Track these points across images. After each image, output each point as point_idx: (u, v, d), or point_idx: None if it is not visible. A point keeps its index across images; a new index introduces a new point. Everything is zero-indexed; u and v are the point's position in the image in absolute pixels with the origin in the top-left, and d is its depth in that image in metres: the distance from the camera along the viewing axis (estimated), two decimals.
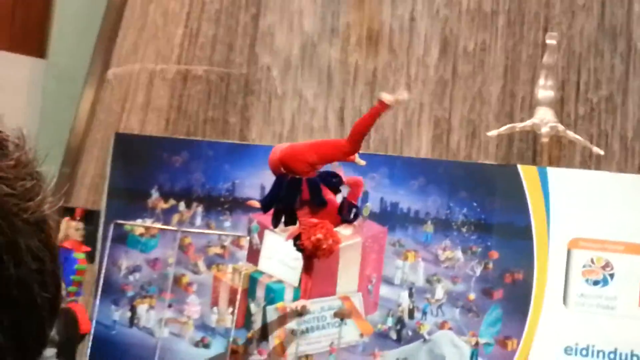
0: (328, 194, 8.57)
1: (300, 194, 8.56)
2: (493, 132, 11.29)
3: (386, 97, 8.67)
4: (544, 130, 10.91)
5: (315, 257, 8.82)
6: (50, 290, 0.93)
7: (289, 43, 12.41)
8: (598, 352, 9.65)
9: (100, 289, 10.77)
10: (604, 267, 9.81)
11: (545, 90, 11.08)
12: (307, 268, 8.94)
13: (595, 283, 9.82)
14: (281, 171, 8.69)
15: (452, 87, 11.95)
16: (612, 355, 9.62)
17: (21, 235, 0.90)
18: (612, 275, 9.78)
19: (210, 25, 12.63)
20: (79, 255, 10.37)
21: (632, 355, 9.60)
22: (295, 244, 8.94)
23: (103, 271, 10.82)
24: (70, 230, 10.48)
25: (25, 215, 0.91)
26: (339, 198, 8.70)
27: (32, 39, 13.39)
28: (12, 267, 0.88)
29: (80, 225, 10.65)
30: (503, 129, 11.23)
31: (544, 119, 10.94)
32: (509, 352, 9.89)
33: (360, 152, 10.33)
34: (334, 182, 8.74)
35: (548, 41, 11.18)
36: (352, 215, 8.78)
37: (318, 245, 8.53)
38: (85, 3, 13.35)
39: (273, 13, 12.53)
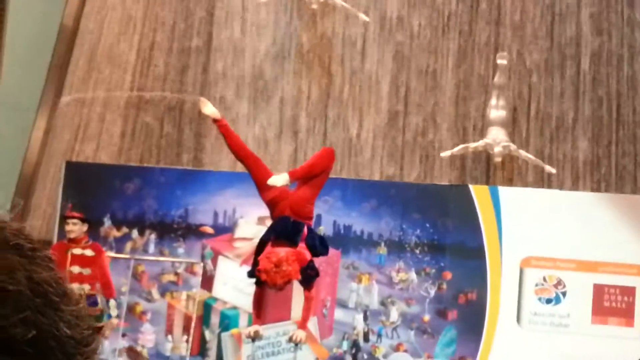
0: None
1: (301, 234, 8.51)
2: (446, 153, 11.32)
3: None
4: (497, 149, 10.96)
5: (272, 282, 8.60)
6: None
7: (242, 69, 12.39)
8: None
9: None
10: (556, 285, 9.86)
11: (497, 110, 11.15)
12: (259, 295, 8.81)
13: (548, 301, 9.85)
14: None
15: (405, 109, 11.97)
16: None
17: None
18: (564, 293, 9.83)
19: (162, 52, 12.60)
20: None
21: None
22: (253, 269, 8.80)
23: None
24: None
25: (81, 358, 1.08)
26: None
27: None
28: None
29: None
30: (456, 149, 11.26)
31: (497, 138, 11.00)
32: None
33: None
34: (320, 251, 8.69)
35: (499, 61, 11.26)
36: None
37: (278, 264, 8.31)
38: (36, 32, 13.26)
39: (224, 39, 12.52)
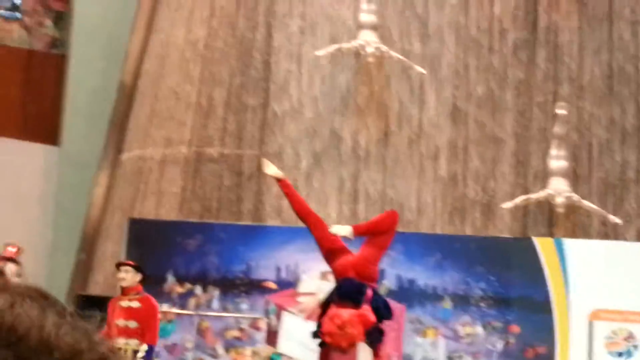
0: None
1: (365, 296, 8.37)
2: (508, 204, 11.26)
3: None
4: (559, 200, 10.89)
5: (337, 345, 8.44)
6: None
7: (299, 123, 12.44)
8: None
9: None
10: (626, 339, 9.70)
11: (557, 160, 11.09)
12: (325, 356, 8.65)
13: (620, 355, 9.69)
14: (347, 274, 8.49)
15: (465, 161, 11.94)
16: None
17: None
18: (636, 347, 9.67)
19: (219, 109, 12.70)
20: None
21: None
22: (317, 330, 8.67)
23: None
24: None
25: None
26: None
27: (44, 127, 13.48)
28: None
29: (16, 270, 9.33)
30: (518, 200, 11.21)
31: (558, 189, 10.93)
32: None
33: None
34: (384, 315, 8.51)
35: (558, 111, 11.22)
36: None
37: (342, 327, 8.18)
38: (96, 89, 13.46)
39: (281, 93, 12.60)
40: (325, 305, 8.60)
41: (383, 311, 8.51)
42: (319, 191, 12.13)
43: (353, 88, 12.43)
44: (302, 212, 8.75)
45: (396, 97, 12.32)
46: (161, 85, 13.06)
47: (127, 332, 9.36)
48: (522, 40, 12.14)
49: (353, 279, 8.42)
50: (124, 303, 9.51)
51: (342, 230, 8.58)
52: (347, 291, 8.33)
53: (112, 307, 9.58)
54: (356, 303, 8.23)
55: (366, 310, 8.23)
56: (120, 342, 9.26)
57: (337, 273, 8.55)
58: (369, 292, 8.35)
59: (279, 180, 8.91)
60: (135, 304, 9.49)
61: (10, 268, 9.22)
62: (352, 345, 8.38)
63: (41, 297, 0.98)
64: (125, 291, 9.57)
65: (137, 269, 9.67)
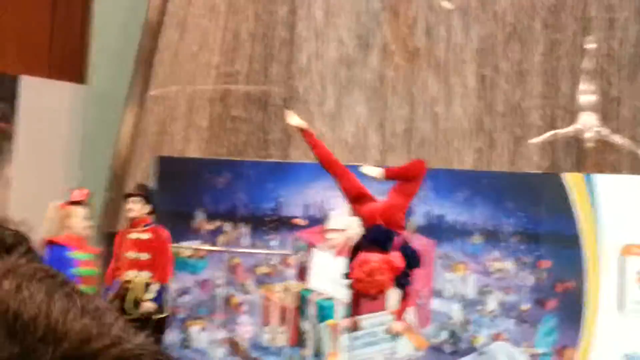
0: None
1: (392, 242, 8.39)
2: (536, 140, 11.23)
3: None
4: (588, 135, 10.85)
5: (366, 292, 8.48)
6: None
7: (325, 59, 12.40)
8: None
9: None
10: None
11: (586, 95, 11.02)
12: (355, 301, 8.65)
13: None
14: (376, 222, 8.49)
15: (492, 97, 11.89)
16: None
17: None
18: None
19: (246, 44, 12.66)
20: (80, 255, 8.85)
21: None
22: (347, 276, 8.71)
23: None
24: (71, 220, 8.93)
25: None
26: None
27: (71, 65, 13.46)
28: None
29: (85, 213, 9.08)
30: (546, 135, 11.17)
31: (587, 124, 10.88)
32: None
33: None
34: (412, 263, 8.48)
35: (587, 45, 11.14)
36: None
37: (371, 274, 8.23)
38: (122, 27, 13.41)
39: (309, 30, 12.53)
40: (354, 252, 8.62)
41: (411, 259, 8.52)
42: (345, 128, 12.11)
43: (380, 24, 12.35)
44: (326, 162, 8.71)
45: (423, 34, 12.23)
46: (187, 22, 13.01)
47: (138, 265, 9.14)
48: None
49: (381, 226, 8.42)
50: (133, 235, 9.25)
51: (372, 171, 8.57)
52: (375, 238, 8.35)
53: (120, 239, 9.34)
54: (384, 249, 8.25)
55: (395, 256, 8.25)
56: (131, 274, 9.08)
57: (364, 220, 8.55)
58: (398, 239, 8.36)
59: (302, 130, 8.88)
60: (145, 236, 9.25)
61: (79, 212, 9.10)
62: (381, 292, 8.44)
63: (49, 277, 0.92)
64: (133, 223, 9.32)
65: (147, 199, 9.41)
